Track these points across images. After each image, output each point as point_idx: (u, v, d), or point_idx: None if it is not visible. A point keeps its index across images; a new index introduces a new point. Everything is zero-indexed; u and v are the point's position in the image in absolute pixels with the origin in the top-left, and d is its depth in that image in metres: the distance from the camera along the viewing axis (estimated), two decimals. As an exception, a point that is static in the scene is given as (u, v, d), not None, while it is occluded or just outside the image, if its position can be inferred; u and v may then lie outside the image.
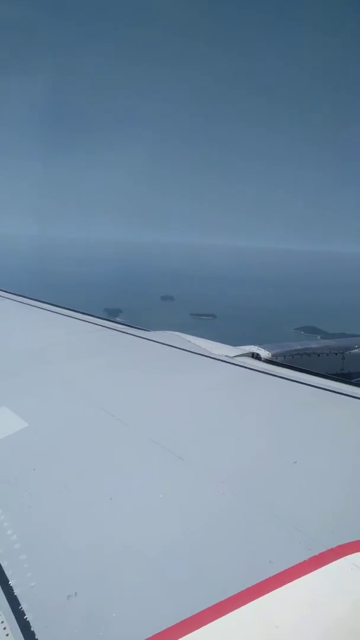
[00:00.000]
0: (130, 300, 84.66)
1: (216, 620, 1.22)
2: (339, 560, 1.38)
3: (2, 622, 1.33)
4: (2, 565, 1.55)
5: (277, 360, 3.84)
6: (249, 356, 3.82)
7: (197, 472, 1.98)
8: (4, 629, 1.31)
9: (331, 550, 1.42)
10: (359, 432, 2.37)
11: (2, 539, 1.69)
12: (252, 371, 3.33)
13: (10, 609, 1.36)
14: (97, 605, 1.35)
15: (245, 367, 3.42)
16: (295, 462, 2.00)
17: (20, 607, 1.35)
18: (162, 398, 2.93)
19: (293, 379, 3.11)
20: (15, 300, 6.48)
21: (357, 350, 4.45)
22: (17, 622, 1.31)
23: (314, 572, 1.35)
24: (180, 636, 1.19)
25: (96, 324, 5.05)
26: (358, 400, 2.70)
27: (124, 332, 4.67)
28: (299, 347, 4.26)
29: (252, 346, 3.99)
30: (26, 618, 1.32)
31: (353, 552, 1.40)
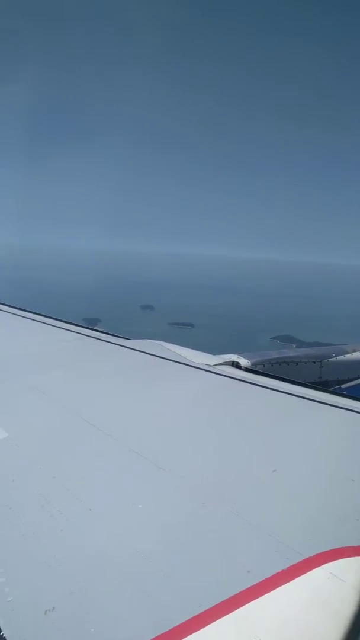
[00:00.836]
0: (109, 310, 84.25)
1: (196, 633, 1.21)
2: (316, 569, 1.38)
3: None
4: None
5: (257, 369, 3.89)
6: (229, 365, 3.85)
7: (177, 482, 1.97)
8: None
9: (308, 559, 1.42)
10: (337, 441, 2.41)
11: None
12: (232, 380, 3.36)
13: None
14: (75, 620, 1.32)
15: (226, 376, 3.44)
16: (274, 470, 2.01)
17: None
18: (143, 407, 2.92)
19: (272, 387, 3.15)
20: None
21: (334, 358, 4.55)
22: None
23: (292, 581, 1.34)
24: None
25: (76, 332, 4.99)
26: (336, 408, 2.75)
27: (104, 340, 4.63)
28: (278, 355, 4.33)
29: (232, 355, 4.03)
30: (2, 634, 1.28)
31: (330, 561, 1.41)
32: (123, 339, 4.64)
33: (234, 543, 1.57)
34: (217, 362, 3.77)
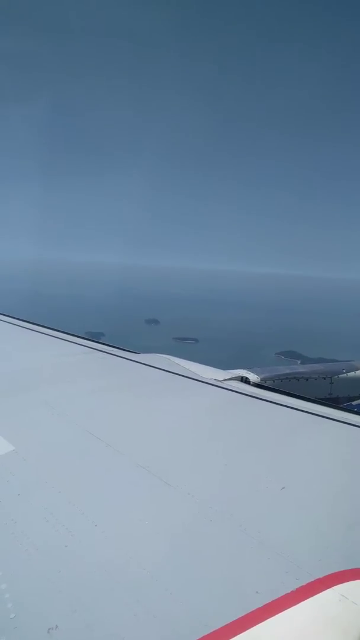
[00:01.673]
0: (113, 324, 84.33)
1: None
2: (327, 591, 1.34)
3: None
4: None
5: (266, 385, 3.85)
6: (238, 380, 3.81)
7: (184, 499, 1.94)
8: None
9: (319, 580, 1.39)
10: (347, 458, 2.38)
11: None
12: (241, 395, 3.32)
13: None
14: (79, 639, 1.29)
15: (235, 391, 3.41)
16: (283, 488, 1.98)
17: None
18: (151, 422, 2.90)
19: (282, 403, 3.12)
20: (3, 321, 6.38)
21: (345, 375, 4.52)
22: None
23: (302, 603, 1.31)
24: None
25: (85, 346, 4.98)
26: (347, 425, 2.71)
27: (112, 354, 4.61)
28: (287, 371, 4.30)
29: (241, 370, 4.01)
30: None
31: (341, 583, 1.37)
32: (131, 353, 4.62)
33: (242, 562, 1.54)
34: (226, 377, 3.74)
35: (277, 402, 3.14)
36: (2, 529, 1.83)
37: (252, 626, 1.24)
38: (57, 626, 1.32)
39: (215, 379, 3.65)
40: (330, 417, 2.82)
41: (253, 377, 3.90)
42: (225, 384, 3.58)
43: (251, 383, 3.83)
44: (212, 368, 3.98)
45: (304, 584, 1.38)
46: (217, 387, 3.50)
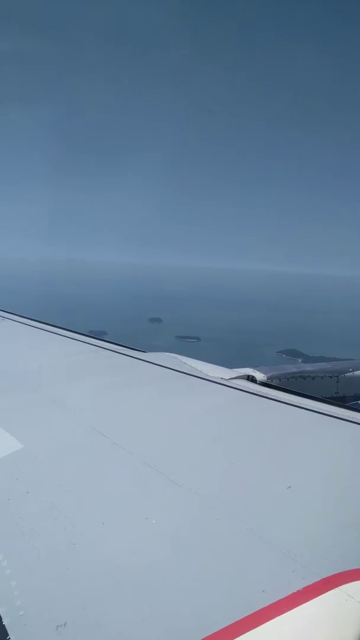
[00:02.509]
0: (116, 322, 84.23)
1: None
2: (333, 590, 1.34)
3: None
4: None
5: (273, 383, 3.85)
6: (244, 378, 3.82)
7: (191, 497, 1.95)
8: None
9: (325, 579, 1.39)
10: (354, 457, 2.38)
11: None
12: (247, 394, 3.33)
13: None
14: (87, 637, 1.30)
15: (241, 390, 3.42)
16: (290, 487, 1.98)
17: (8, 638, 1.30)
18: (159, 420, 2.91)
19: (288, 402, 3.12)
20: (13, 320, 6.43)
21: (351, 373, 4.50)
22: None
23: (309, 602, 1.31)
24: None
25: (92, 345, 5.00)
26: (353, 424, 2.72)
27: (120, 352, 4.62)
28: (294, 369, 4.29)
29: (248, 368, 4.01)
30: None
31: (347, 582, 1.37)
32: (138, 352, 4.63)
33: (249, 561, 1.54)
34: (233, 376, 3.75)
35: (283, 400, 3.15)
36: (11, 526, 1.85)
37: (259, 625, 1.25)
38: (65, 623, 1.33)
39: (221, 378, 3.66)
40: (337, 415, 2.83)
41: (259, 375, 3.91)
42: (232, 383, 3.58)
43: (258, 382, 3.84)
44: (218, 367, 3.98)
45: (310, 583, 1.38)
46: (224, 386, 3.51)
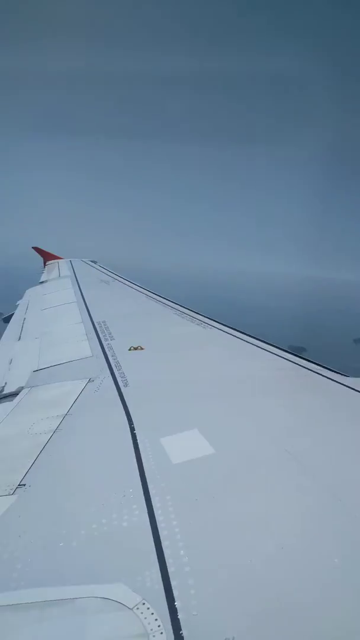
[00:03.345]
0: (317, 340, 78.66)
1: None
2: None
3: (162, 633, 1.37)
4: (172, 583, 1.58)
5: None
6: None
7: None
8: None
9: None
10: None
11: (175, 557, 1.72)
12: None
13: (172, 633, 1.37)
14: None
15: None
16: None
17: (180, 632, 1.36)
18: (350, 451, 2.70)
19: None
20: (217, 328, 6.58)
21: None
22: None
23: None
24: None
25: (290, 361, 4.85)
26: None
27: (319, 373, 4.37)
28: None
29: None
30: None
31: None
32: (341, 376, 4.28)
33: None
34: None
35: None
36: (196, 526, 1.93)
37: None
38: (234, 638, 1.33)
39: None
40: None
41: None
42: None
43: None
44: None
45: None
46: None
